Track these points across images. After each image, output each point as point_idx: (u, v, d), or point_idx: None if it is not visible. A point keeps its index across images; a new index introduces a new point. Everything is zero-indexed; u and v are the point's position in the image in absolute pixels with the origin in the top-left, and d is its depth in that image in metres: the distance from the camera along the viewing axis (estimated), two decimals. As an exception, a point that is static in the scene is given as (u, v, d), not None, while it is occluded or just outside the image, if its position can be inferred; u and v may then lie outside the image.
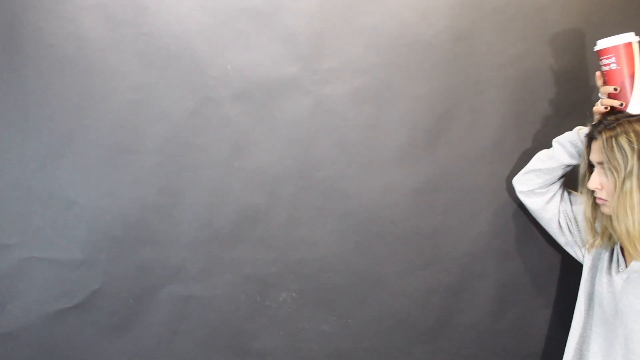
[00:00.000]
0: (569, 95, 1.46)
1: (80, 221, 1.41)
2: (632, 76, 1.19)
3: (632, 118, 1.12)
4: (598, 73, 1.26)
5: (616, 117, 1.14)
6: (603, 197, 1.16)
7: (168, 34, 1.40)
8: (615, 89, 1.21)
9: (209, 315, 1.45)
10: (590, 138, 1.18)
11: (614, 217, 1.12)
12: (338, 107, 1.44)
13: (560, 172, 1.33)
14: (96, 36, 1.38)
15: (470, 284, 1.48)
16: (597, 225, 1.24)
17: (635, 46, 1.20)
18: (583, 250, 1.32)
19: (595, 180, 1.16)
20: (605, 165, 1.12)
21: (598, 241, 1.24)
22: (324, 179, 1.45)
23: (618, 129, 1.10)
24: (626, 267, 1.18)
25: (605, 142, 1.11)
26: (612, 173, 1.10)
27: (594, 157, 1.17)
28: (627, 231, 1.09)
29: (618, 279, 1.18)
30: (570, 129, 1.30)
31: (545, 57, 1.45)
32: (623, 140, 1.09)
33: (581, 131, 1.27)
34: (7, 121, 1.38)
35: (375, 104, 1.44)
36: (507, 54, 1.45)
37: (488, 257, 1.47)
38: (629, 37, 1.19)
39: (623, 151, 1.08)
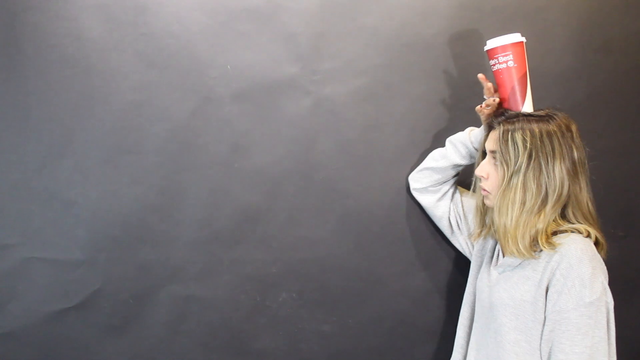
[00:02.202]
0: (569, 96, 1.46)
1: (80, 221, 1.41)
2: (524, 75, 1.21)
3: (531, 117, 1.13)
4: (481, 75, 1.27)
5: (517, 114, 1.15)
6: (487, 188, 1.18)
7: (168, 34, 1.40)
8: (499, 97, 1.23)
9: (209, 315, 1.45)
10: (490, 127, 1.19)
11: (495, 211, 1.14)
12: (338, 108, 1.44)
13: (451, 172, 1.35)
14: (96, 36, 1.39)
15: (470, 284, 1.48)
16: (488, 219, 1.25)
17: (524, 46, 1.22)
18: (469, 244, 1.35)
19: (484, 168, 1.18)
20: (497, 157, 1.13)
21: (484, 232, 1.26)
22: (324, 179, 1.45)
23: (517, 124, 1.11)
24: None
25: (501, 134, 1.13)
26: (502, 165, 1.12)
27: (489, 145, 1.17)
28: (505, 226, 1.11)
29: (494, 272, 1.19)
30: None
31: (545, 57, 1.45)
32: (518, 136, 1.10)
33: (472, 132, 1.29)
34: (7, 121, 1.39)
35: (375, 104, 1.44)
36: (507, 54, 1.45)
37: (488, 257, 1.47)
38: (520, 37, 1.21)
39: (516, 147, 1.10)
